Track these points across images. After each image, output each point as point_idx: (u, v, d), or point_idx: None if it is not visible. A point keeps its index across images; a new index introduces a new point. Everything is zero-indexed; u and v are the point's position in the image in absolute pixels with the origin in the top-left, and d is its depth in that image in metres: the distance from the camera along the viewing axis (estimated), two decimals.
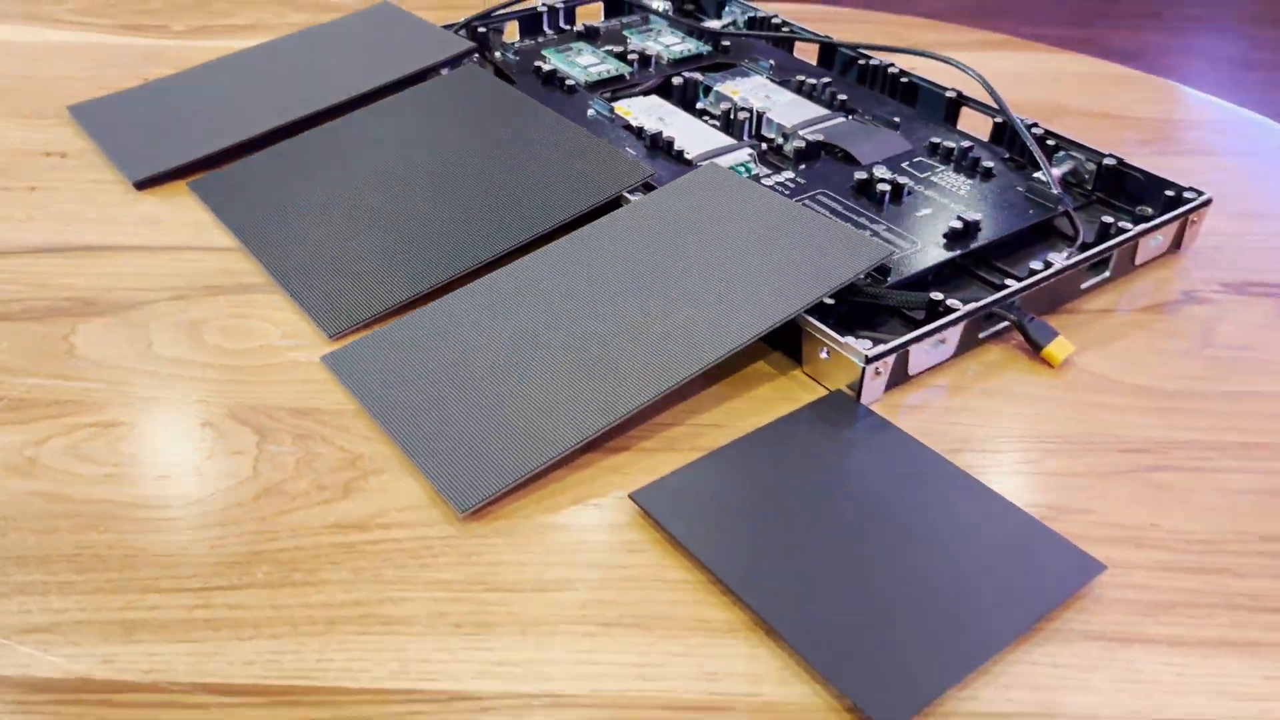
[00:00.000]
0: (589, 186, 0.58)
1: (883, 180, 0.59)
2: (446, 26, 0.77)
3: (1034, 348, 0.51)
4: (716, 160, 0.63)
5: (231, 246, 0.57)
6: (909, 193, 0.60)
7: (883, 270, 0.53)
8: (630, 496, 0.42)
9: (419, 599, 0.38)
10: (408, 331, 0.49)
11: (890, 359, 0.47)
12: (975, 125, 0.69)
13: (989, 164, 0.61)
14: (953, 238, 0.55)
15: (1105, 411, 0.48)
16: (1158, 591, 0.39)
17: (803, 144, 0.63)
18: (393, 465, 0.44)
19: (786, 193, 0.59)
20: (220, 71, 0.73)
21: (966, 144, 0.63)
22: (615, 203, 0.58)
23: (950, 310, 0.49)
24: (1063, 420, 0.47)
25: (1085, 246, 0.57)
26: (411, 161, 0.62)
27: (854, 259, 0.50)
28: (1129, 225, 0.56)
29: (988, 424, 0.47)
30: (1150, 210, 0.60)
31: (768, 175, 0.61)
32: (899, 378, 0.49)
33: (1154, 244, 0.57)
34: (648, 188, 0.59)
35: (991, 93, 0.66)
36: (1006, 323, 0.52)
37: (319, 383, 0.48)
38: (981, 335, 0.52)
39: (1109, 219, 0.56)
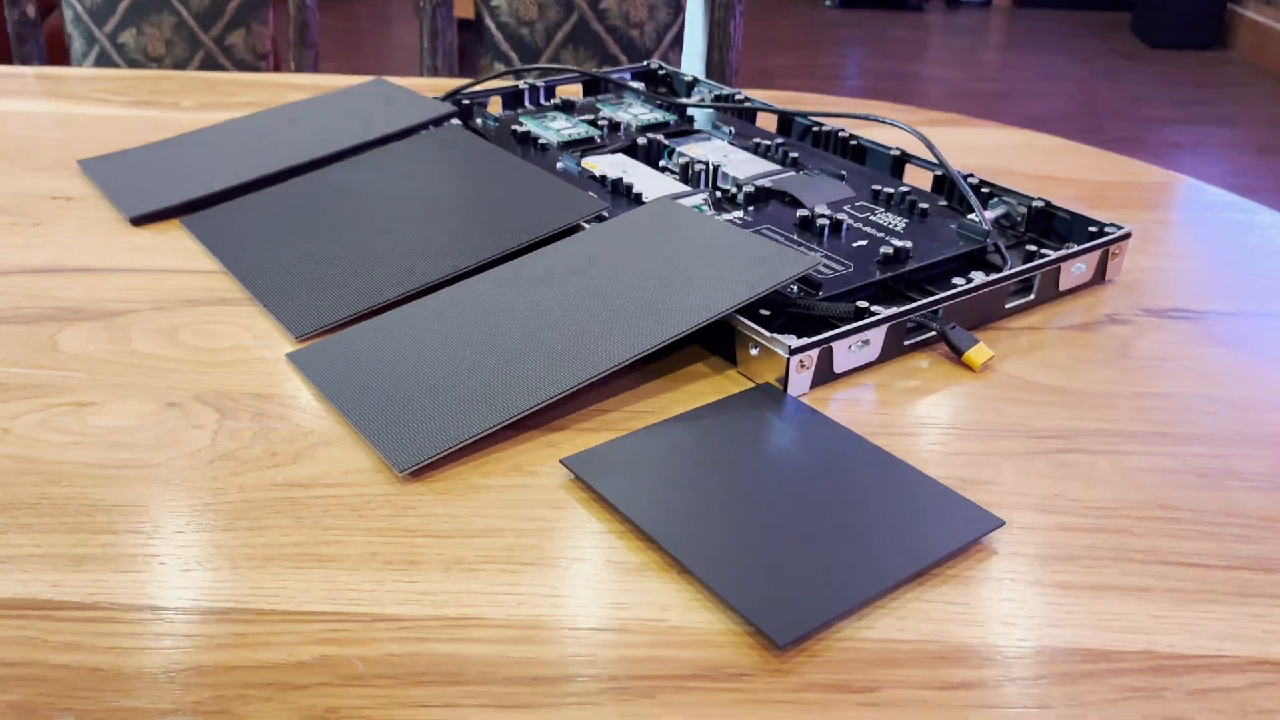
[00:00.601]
0: (545, 217, 0.63)
1: (823, 217, 0.64)
2: (435, 98, 0.83)
3: (955, 353, 0.54)
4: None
5: (215, 270, 0.62)
6: (847, 228, 0.64)
7: (814, 285, 0.56)
8: (561, 461, 0.45)
9: (354, 541, 0.41)
10: (366, 333, 0.53)
11: (814, 352, 0.50)
12: (919, 180, 0.74)
13: (924, 206, 0.66)
14: (885, 262, 0.59)
15: (1020, 406, 0.51)
16: (1055, 548, 0.42)
17: (752, 189, 0.68)
18: (344, 439, 0.47)
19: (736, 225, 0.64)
20: (221, 133, 0.79)
21: (905, 189, 0.68)
22: (572, 231, 0.63)
23: (873, 315, 0.53)
24: (978, 412, 0.50)
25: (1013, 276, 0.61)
26: (384, 198, 0.66)
27: (783, 268, 0.54)
28: (1051, 253, 0.60)
29: (905, 413, 0.50)
30: (1074, 246, 0.64)
31: (716, 216, 0.66)
32: (825, 375, 0.52)
33: (1076, 271, 0.61)
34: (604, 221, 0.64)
35: (930, 148, 0.71)
36: (932, 332, 0.55)
37: (282, 375, 0.51)
38: (907, 344, 0.55)
39: (1033, 248, 0.60)
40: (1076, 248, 0.60)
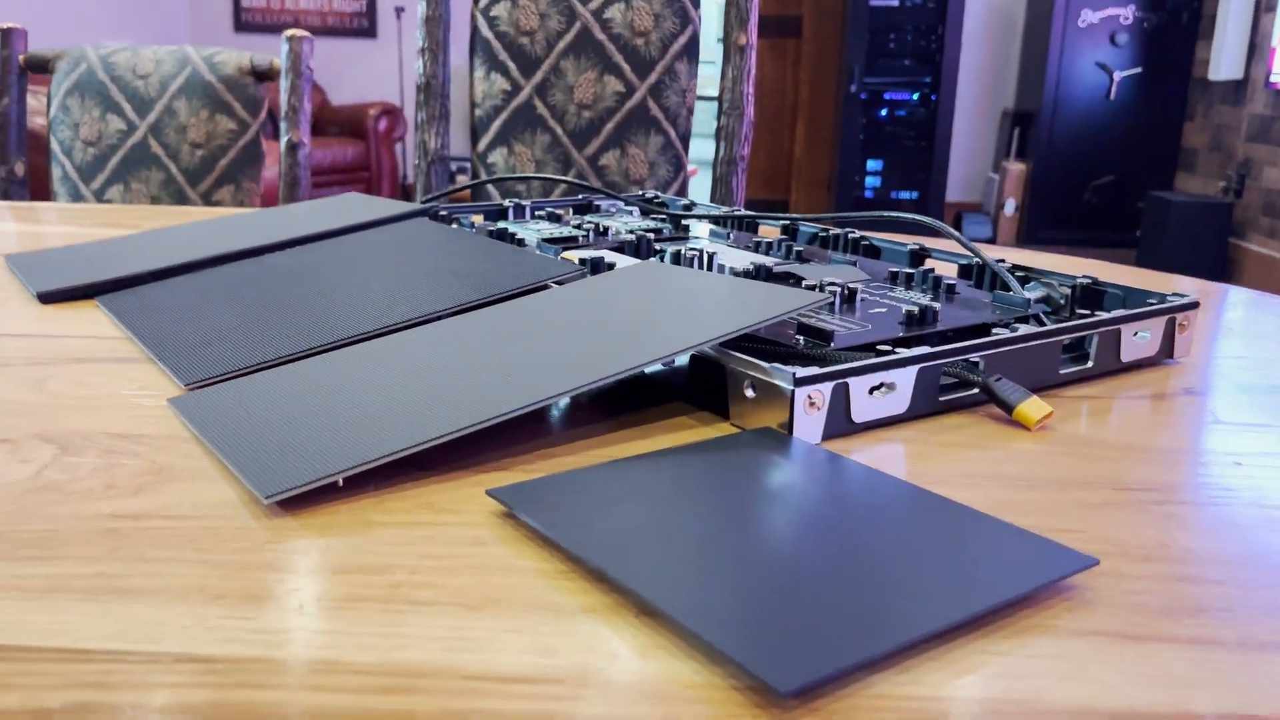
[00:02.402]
0: (507, 276, 0.54)
1: (834, 283, 0.54)
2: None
3: (1004, 408, 0.43)
4: None
5: (117, 336, 0.52)
6: (862, 300, 0.54)
7: (824, 336, 0.46)
8: (489, 492, 0.33)
9: (178, 574, 0.29)
10: (270, 377, 0.43)
11: (826, 389, 0.40)
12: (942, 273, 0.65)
13: (951, 283, 0.57)
14: (909, 322, 0.49)
15: (1097, 462, 0.39)
16: (1171, 597, 0.29)
17: (751, 267, 0.59)
18: (206, 474, 0.36)
19: None
20: (168, 233, 0.72)
21: (927, 269, 0.59)
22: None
23: (897, 354, 0.43)
24: (1044, 465, 0.39)
25: (1068, 348, 0.51)
26: (328, 272, 0.58)
27: (782, 303, 0.44)
28: (1105, 315, 0.50)
29: (948, 465, 0.38)
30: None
31: None
32: (841, 424, 0.41)
33: (1140, 340, 0.51)
34: None
35: (956, 237, 0.62)
36: (973, 389, 0.45)
37: (155, 418, 0.41)
38: (943, 399, 0.44)
39: (1086, 311, 0.51)
40: (1139, 310, 0.51)
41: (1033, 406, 0.43)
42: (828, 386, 0.40)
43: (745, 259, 0.64)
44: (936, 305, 0.50)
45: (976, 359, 0.44)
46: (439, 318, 0.51)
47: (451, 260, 0.58)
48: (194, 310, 0.54)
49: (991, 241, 4.37)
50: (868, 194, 4.27)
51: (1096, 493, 0.36)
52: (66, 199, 1.17)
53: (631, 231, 0.73)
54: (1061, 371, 0.48)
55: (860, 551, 0.30)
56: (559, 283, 0.54)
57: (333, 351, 0.45)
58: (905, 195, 4.27)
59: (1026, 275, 0.60)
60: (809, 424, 0.40)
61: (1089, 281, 0.56)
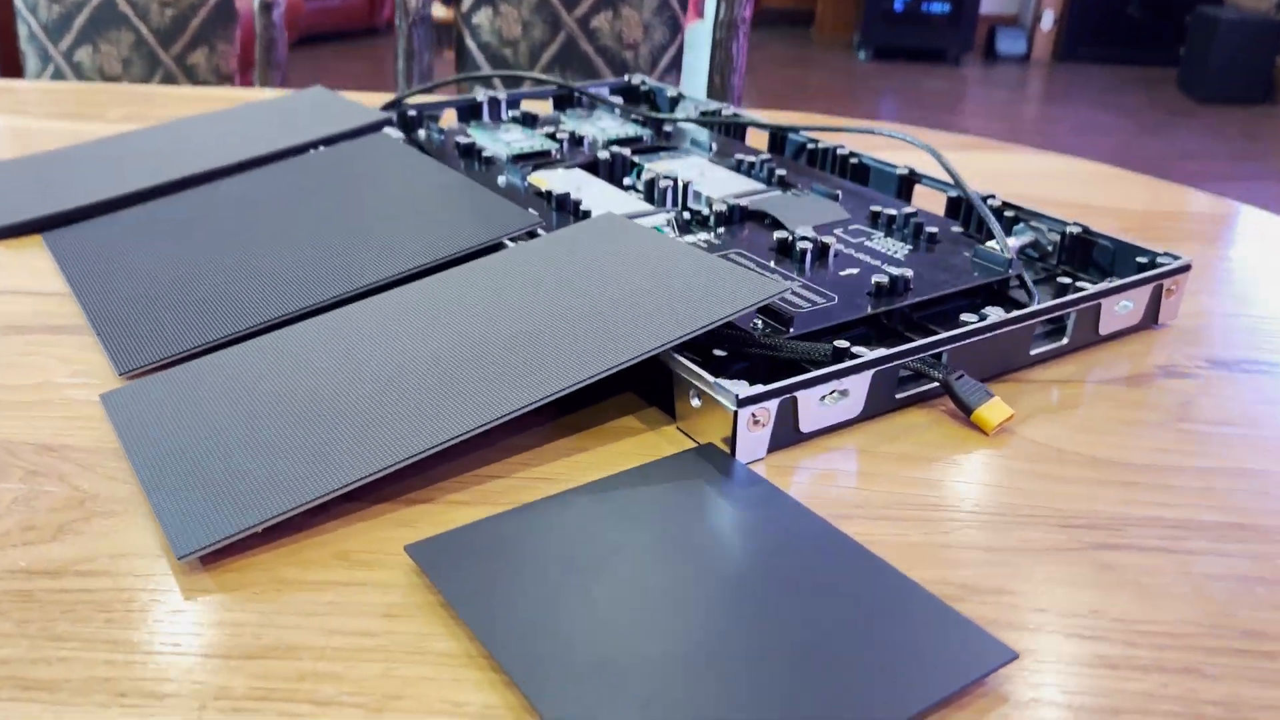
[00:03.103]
0: (460, 233, 0.51)
1: (806, 240, 0.52)
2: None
3: (963, 410, 0.42)
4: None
5: (60, 292, 0.51)
6: (836, 254, 0.52)
7: (784, 320, 0.44)
8: (406, 549, 0.32)
9: (84, 660, 0.29)
10: (201, 372, 0.41)
11: (772, 405, 0.38)
12: (932, 205, 0.62)
13: (933, 230, 0.54)
14: (878, 294, 0.47)
15: (1047, 481, 0.38)
16: (1092, 694, 0.29)
17: (724, 209, 0.56)
18: (131, 509, 0.35)
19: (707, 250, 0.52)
20: (117, 144, 0.69)
21: (911, 211, 0.56)
22: (494, 249, 0.51)
23: (854, 358, 0.41)
24: (991, 489, 0.37)
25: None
26: (278, 214, 0.55)
27: (739, 295, 0.42)
28: (1088, 286, 0.47)
29: (892, 490, 0.37)
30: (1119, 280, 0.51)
31: (679, 238, 0.54)
32: (789, 435, 0.39)
33: (1122, 311, 0.49)
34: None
35: (943, 164, 0.59)
36: (934, 383, 0.43)
37: (87, 420, 0.40)
38: (900, 396, 0.42)
39: (1067, 281, 0.48)
40: (1123, 281, 0.48)
41: (992, 410, 0.41)
42: (773, 403, 0.38)
43: (723, 189, 0.61)
44: (909, 273, 0.47)
45: (940, 353, 0.42)
46: (384, 286, 0.48)
47: (404, 205, 0.55)
48: (139, 257, 0.52)
49: (1026, 58, 4.17)
50: (897, 7, 4.04)
51: (1039, 531, 0.35)
52: (35, 60, 1.12)
53: (608, 145, 0.69)
54: (1033, 352, 0.46)
55: (780, 637, 0.29)
56: (513, 239, 0.52)
57: (267, 334, 0.44)
58: (937, 9, 4.04)
59: (1016, 216, 0.56)
60: (753, 440, 0.38)
61: (1079, 230, 0.53)
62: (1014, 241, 0.55)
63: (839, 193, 0.60)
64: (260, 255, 0.51)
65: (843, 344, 0.41)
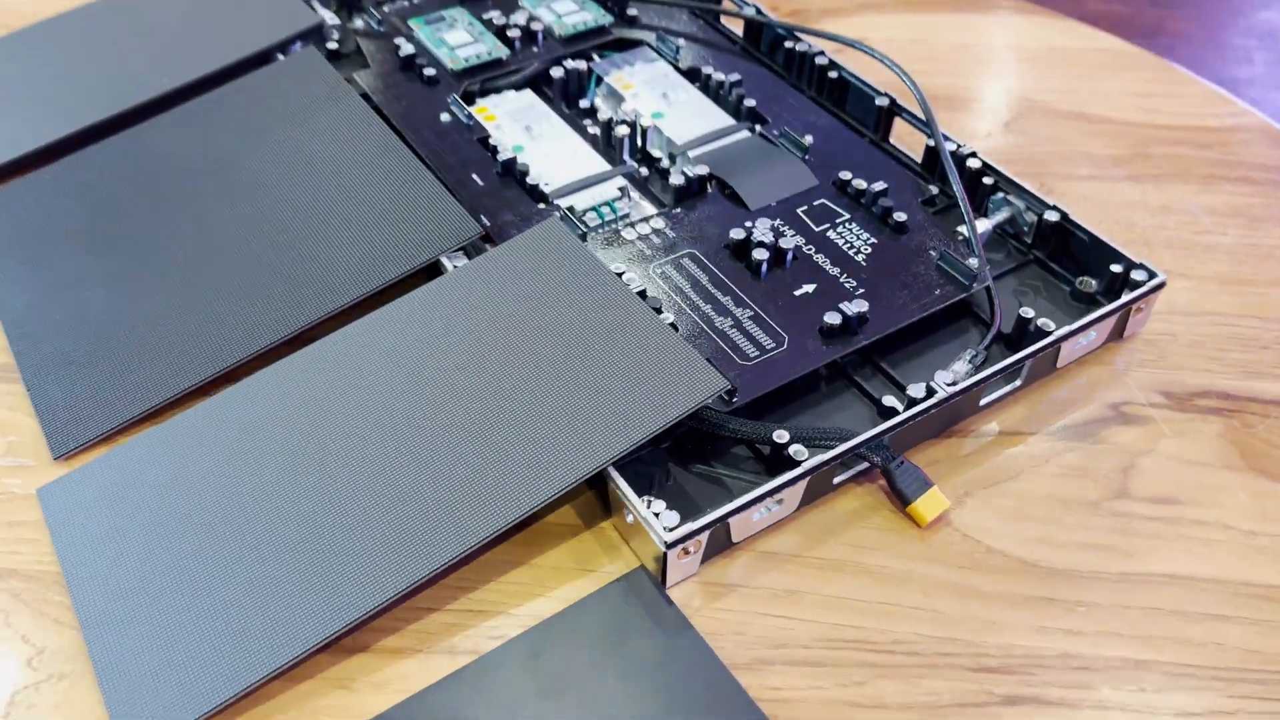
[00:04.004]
0: (395, 249, 0.48)
1: (762, 245, 0.49)
2: None
3: (900, 500, 0.42)
4: (575, 199, 0.52)
5: None
6: (793, 259, 0.49)
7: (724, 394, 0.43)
8: None
9: None
10: (135, 462, 0.41)
11: (704, 536, 0.38)
12: (912, 141, 0.57)
13: (901, 218, 0.50)
14: (829, 335, 0.45)
15: (967, 601, 0.39)
16: None
17: (682, 180, 0.52)
18: (77, 671, 0.36)
19: (649, 250, 0.49)
20: (17, 48, 0.62)
21: (880, 187, 0.52)
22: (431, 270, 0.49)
23: (792, 462, 0.40)
24: (912, 615, 0.38)
25: (1004, 337, 0.47)
26: (205, 199, 0.52)
27: (683, 391, 0.40)
28: (1049, 327, 0.45)
29: (817, 616, 0.38)
30: (1092, 284, 0.49)
31: (630, 225, 0.51)
32: (720, 545, 0.40)
33: (1083, 341, 0.47)
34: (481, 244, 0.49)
35: (924, 107, 0.54)
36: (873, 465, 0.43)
37: (24, 530, 0.40)
38: (839, 480, 0.42)
39: (1029, 312, 0.46)
40: (1087, 320, 0.46)
41: (928, 503, 0.41)
42: (705, 535, 0.38)
43: (687, 128, 0.56)
44: (864, 306, 0.45)
45: (883, 440, 0.42)
46: (300, 334, 0.46)
47: (334, 202, 0.51)
48: (55, 257, 0.50)
49: None
50: None
51: (949, 679, 0.37)
52: None
53: (567, 39, 0.62)
54: (983, 401, 0.45)
55: None
56: (454, 256, 0.48)
57: (209, 402, 0.43)
58: None
59: (996, 184, 0.52)
60: (683, 565, 0.39)
61: (1057, 218, 0.50)
62: (989, 223, 0.52)
63: (810, 140, 0.55)
64: (189, 277, 0.49)
65: (782, 435, 0.41)
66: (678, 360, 0.41)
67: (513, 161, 0.53)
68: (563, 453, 0.39)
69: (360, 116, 0.55)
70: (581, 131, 0.58)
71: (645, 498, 0.39)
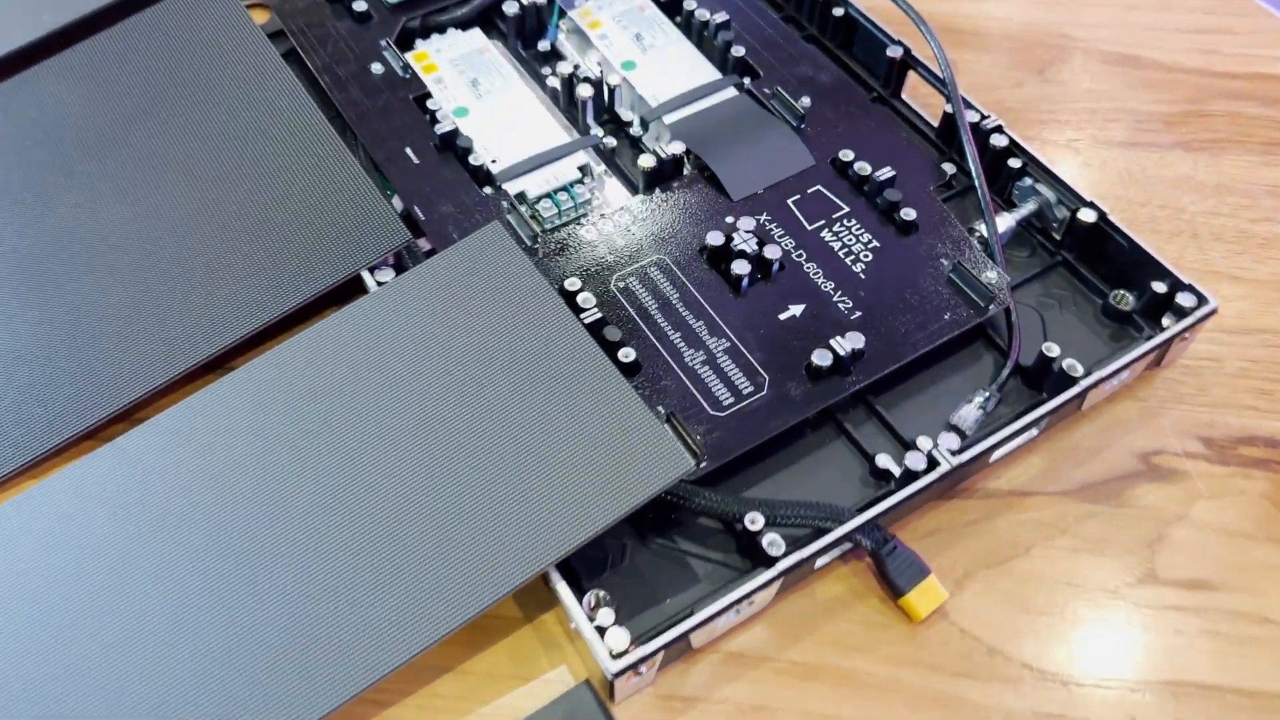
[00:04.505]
0: (310, 263, 0.41)
1: (743, 256, 0.41)
2: None
3: (890, 591, 0.36)
4: (528, 182, 0.44)
5: None
6: (779, 269, 0.42)
7: (692, 450, 0.37)
8: None
9: None
10: (40, 521, 0.35)
11: (658, 657, 0.33)
12: (929, 101, 0.49)
13: (910, 215, 0.43)
14: (818, 376, 0.39)
15: (964, 712, 0.34)
16: None
17: (654, 163, 0.44)
18: None
19: (611, 254, 0.42)
20: None
21: (886, 174, 0.44)
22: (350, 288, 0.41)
23: (766, 558, 0.34)
24: None
25: (1022, 369, 0.40)
26: (78, 183, 0.44)
27: (642, 474, 0.34)
28: (1075, 371, 0.39)
29: None
30: (1129, 300, 0.42)
31: (590, 220, 0.43)
32: (682, 649, 0.35)
33: (1114, 383, 0.40)
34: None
35: (943, 64, 0.45)
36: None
37: None
38: (821, 564, 0.37)
39: (1052, 350, 0.39)
40: (1121, 363, 0.39)
41: (923, 597, 0.35)
42: (659, 656, 0.33)
43: (662, 84, 0.47)
44: (859, 343, 0.38)
45: (876, 524, 0.36)
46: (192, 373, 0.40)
47: (245, 193, 0.43)
48: None
49: None
50: None
51: None
52: None
53: None
54: (994, 458, 0.39)
55: None
56: (377, 270, 0.41)
57: (112, 446, 0.37)
58: None
59: (1024, 168, 0.44)
60: (632, 684, 0.34)
61: (1094, 219, 0.42)
62: (1012, 216, 0.44)
63: (804, 109, 0.47)
64: (89, 282, 0.41)
65: (755, 520, 0.35)
66: (638, 432, 0.35)
67: (453, 135, 0.45)
68: (492, 555, 0.33)
69: (272, 72, 0.46)
70: (539, 83, 0.50)
71: (592, 595, 0.34)
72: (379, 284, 0.40)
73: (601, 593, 0.34)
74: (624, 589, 0.35)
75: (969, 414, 0.39)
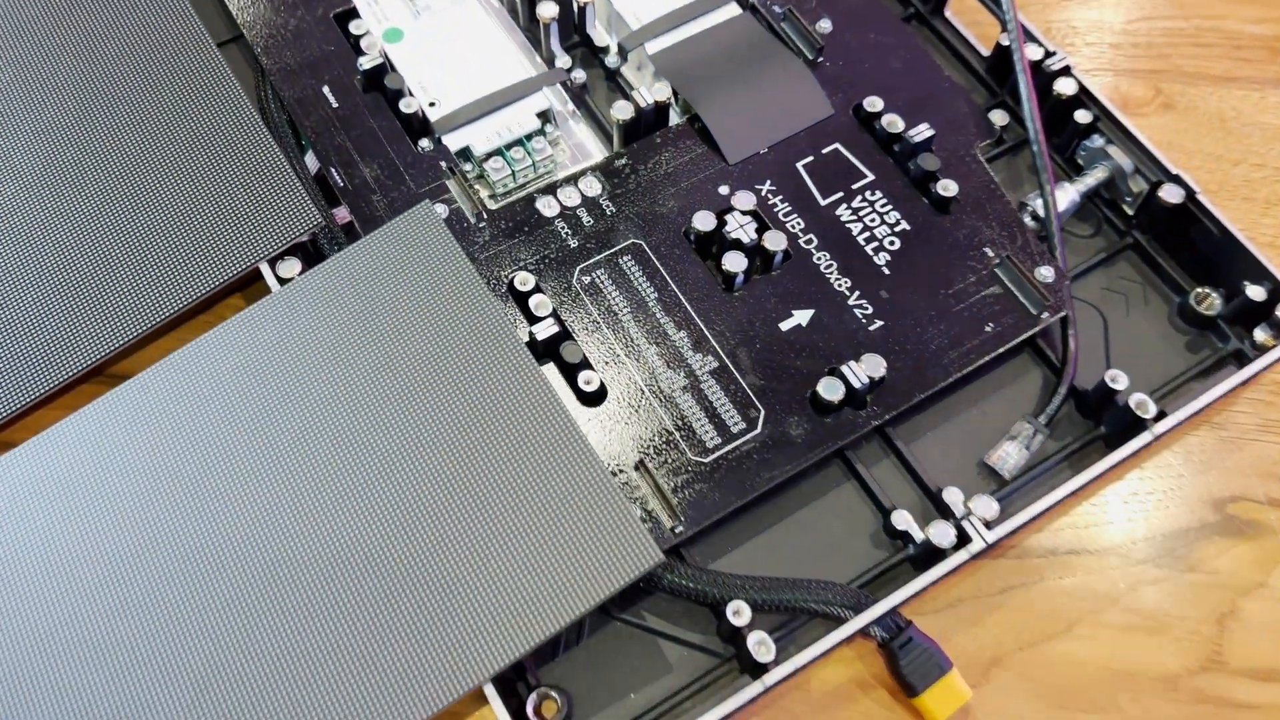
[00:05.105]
0: (213, 248, 0.32)
1: (738, 247, 0.33)
2: None
3: (904, 690, 0.30)
4: (474, 134, 0.35)
5: None
6: (784, 260, 0.33)
7: (671, 507, 0.30)
8: None
9: None
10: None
11: None
12: (980, 25, 0.39)
13: (950, 190, 0.34)
14: (822, 409, 0.31)
15: None
16: None
17: (630, 113, 0.35)
18: None
19: (576, 239, 0.34)
20: None
21: (923, 134, 0.35)
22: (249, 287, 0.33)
23: (754, 664, 0.28)
24: None
25: (1075, 393, 0.32)
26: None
27: (604, 567, 0.27)
28: (1147, 410, 0.31)
29: None
30: (1215, 302, 0.34)
31: (549, 190, 0.34)
32: None
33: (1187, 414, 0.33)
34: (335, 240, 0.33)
35: None
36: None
37: None
38: (825, 650, 0.30)
39: (1119, 379, 0.31)
40: (1204, 402, 0.31)
41: (941, 697, 0.29)
42: None
43: (643, 8, 0.38)
44: (879, 369, 0.31)
45: (893, 616, 0.29)
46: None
47: (145, 166, 0.34)
48: None
49: None
50: None
51: None
52: None
53: None
54: (1040, 510, 0.32)
55: None
56: (285, 263, 0.33)
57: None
58: None
59: (1094, 122, 0.36)
60: None
61: (1179, 200, 0.34)
62: (1071, 193, 0.35)
63: (826, 28, 0.37)
64: None
65: (741, 613, 0.28)
66: (598, 508, 0.28)
67: (381, 72, 0.36)
68: (407, 676, 0.26)
69: (184, 37, 0.36)
70: None
71: (537, 695, 0.28)
72: (280, 281, 0.32)
73: (550, 692, 0.28)
74: (579, 678, 0.29)
75: (1010, 455, 0.31)
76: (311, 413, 0.29)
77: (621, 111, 0.35)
